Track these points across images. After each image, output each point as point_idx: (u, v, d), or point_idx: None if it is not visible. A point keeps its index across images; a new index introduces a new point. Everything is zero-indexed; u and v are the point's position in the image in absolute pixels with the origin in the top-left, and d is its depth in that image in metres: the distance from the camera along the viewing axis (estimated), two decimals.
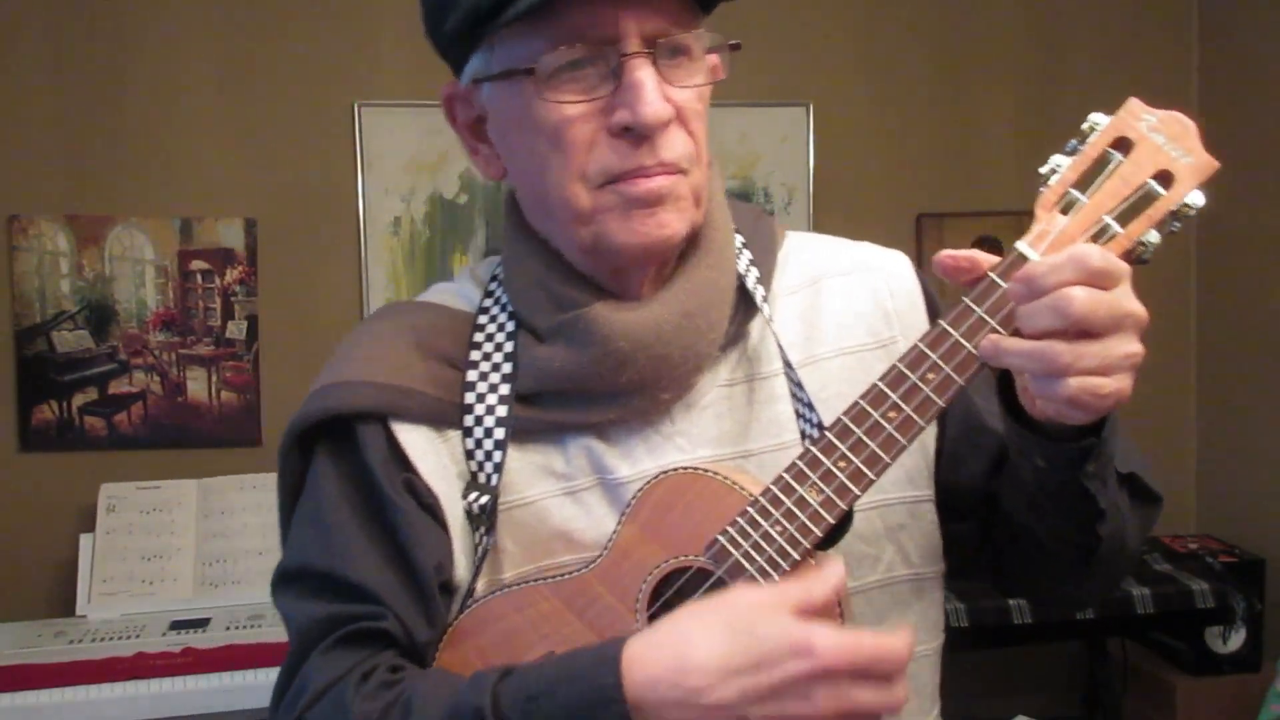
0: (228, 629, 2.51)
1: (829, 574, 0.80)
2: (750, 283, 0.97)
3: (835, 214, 3.22)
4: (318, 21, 3.01)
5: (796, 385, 0.94)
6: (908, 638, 0.75)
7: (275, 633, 2.47)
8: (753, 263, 0.99)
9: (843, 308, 1.00)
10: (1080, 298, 0.74)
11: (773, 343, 0.96)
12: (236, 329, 3.00)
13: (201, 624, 2.54)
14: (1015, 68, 3.41)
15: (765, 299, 0.97)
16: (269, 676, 2.34)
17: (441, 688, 0.83)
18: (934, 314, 1.00)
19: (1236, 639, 3.06)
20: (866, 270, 1.02)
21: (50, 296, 2.90)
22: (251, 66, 2.99)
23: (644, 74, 0.85)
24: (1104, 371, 0.76)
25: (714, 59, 0.92)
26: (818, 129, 3.26)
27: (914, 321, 0.99)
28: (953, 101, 3.39)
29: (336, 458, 0.93)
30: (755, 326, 0.98)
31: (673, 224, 0.89)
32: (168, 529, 2.75)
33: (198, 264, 2.98)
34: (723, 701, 0.74)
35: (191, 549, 2.73)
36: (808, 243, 1.06)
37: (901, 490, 0.96)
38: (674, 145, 0.87)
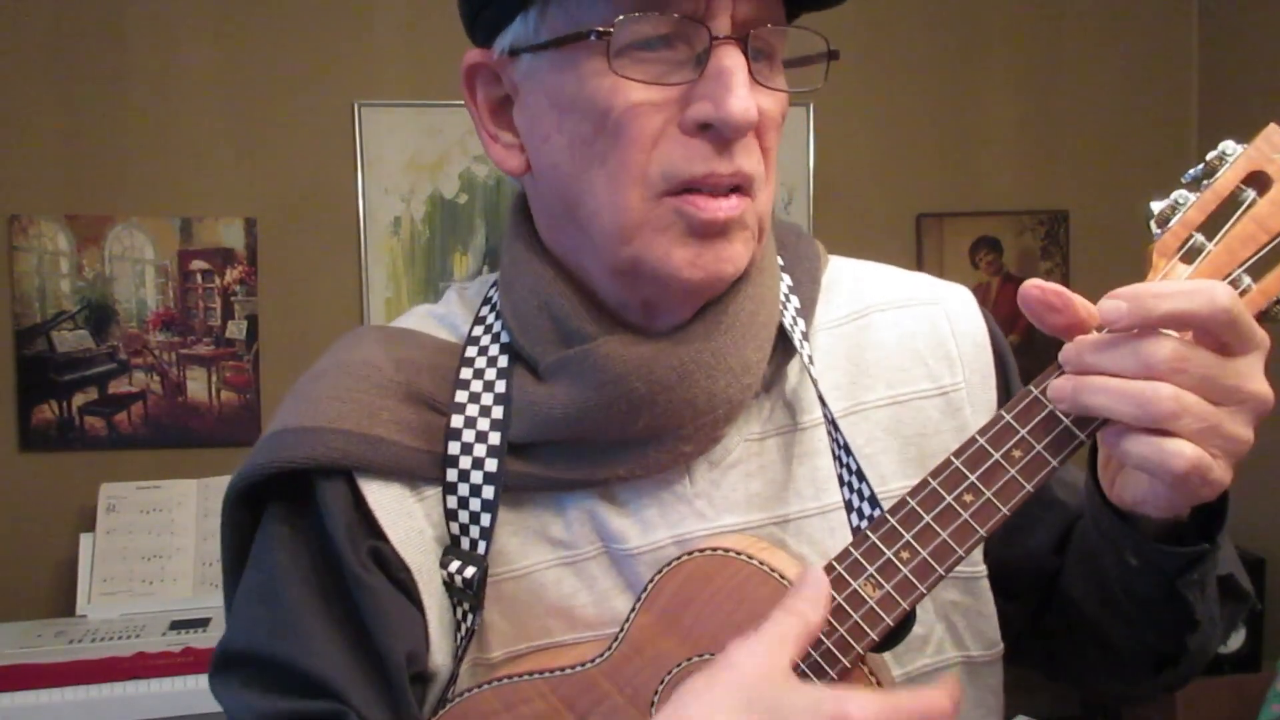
0: None
1: (811, 586, 0.68)
2: (789, 318, 0.83)
3: (835, 214, 3.22)
4: (318, 21, 3.01)
5: (843, 449, 0.78)
6: (953, 690, 0.64)
7: None
8: (792, 290, 0.85)
9: (895, 346, 0.85)
10: (1169, 345, 0.61)
11: (813, 389, 0.81)
12: (236, 329, 3.00)
13: (201, 624, 2.54)
14: (1015, 67, 3.41)
15: (805, 336, 0.83)
16: None
17: None
18: (1002, 362, 0.87)
19: (1236, 639, 3.06)
20: (924, 303, 0.87)
21: (50, 296, 2.90)
22: (251, 66, 2.99)
23: (735, 63, 0.70)
24: (1206, 441, 0.61)
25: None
26: (818, 129, 3.26)
27: (980, 368, 0.85)
28: (953, 101, 3.39)
29: (291, 519, 0.79)
30: (793, 368, 0.84)
31: (736, 258, 0.75)
32: (168, 529, 2.74)
33: (198, 264, 2.98)
34: None
35: (191, 549, 2.73)
36: (854, 270, 0.91)
37: None
38: (751, 156, 0.73)
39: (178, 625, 2.54)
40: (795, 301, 0.84)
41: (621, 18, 0.70)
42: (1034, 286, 0.67)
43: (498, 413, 0.79)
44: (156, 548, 2.72)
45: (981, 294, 3.36)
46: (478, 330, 0.84)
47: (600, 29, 0.70)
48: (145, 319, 2.96)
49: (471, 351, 0.83)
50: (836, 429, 0.79)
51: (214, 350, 2.99)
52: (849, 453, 0.78)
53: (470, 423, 0.79)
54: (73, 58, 2.89)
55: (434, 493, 0.79)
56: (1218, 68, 3.44)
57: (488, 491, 0.78)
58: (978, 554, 0.84)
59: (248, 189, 3.00)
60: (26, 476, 2.89)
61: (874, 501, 0.76)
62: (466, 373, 0.82)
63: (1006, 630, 0.86)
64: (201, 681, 2.34)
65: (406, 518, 0.78)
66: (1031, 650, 0.91)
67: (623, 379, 0.75)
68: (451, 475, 0.79)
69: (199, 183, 2.98)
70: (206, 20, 2.96)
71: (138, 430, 2.95)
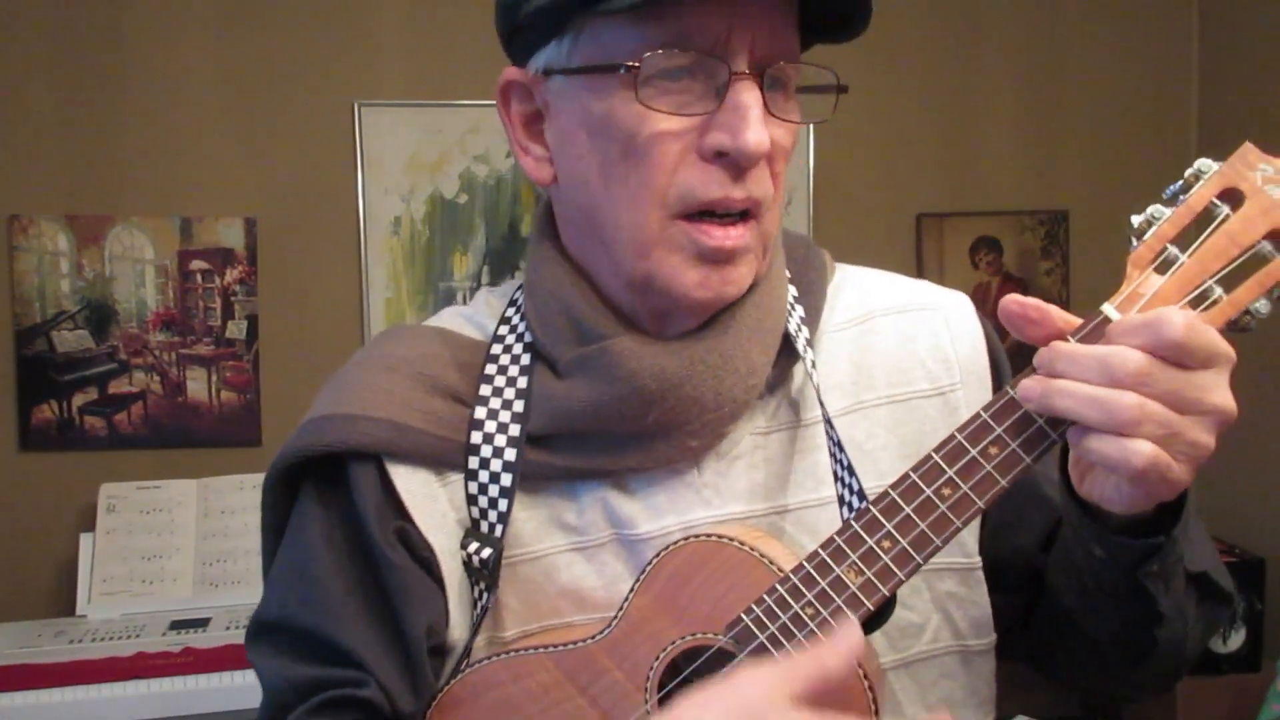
0: (228, 629, 2.51)
1: (843, 640, 0.68)
2: (794, 324, 0.88)
3: (835, 214, 3.22)
4: (318, 21, 3.01)
5: (836, 445, 0.83)
6: None
7: None
8: (797, 300, 0.90)
9: (896, 349, 0.90)
10: (1135, 360, 0.65)
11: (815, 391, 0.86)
12: (236, 329, 3.00)
13: (201, 624, 2.54)
14: (1015, 67, 3.41)
15: (809, 343, 0.88)
16: None
17: None
18: (997, 366, 0.91)
19: (1236, 639, 3.06)
20: (924, 309, 0.92)
21: (50, 296, 2.90)
22: (251, 66, 2.98)
23: (751, 98, 0.76)
24: (1168, 445, 0.65)
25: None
26: (818, 129, 3.26)
27: (976, 370, 0.90)
28: (953, 101, 3.38)
29: (325, 499, 0.85)
30: (799, 369, 0.89)
31: (740, 280, 0.82)
32: (168, 529, 2.75)
33: (198, 264, 2.98)
34: None
35: (191, 549, 2.73)
36: (859, 277, 0.97)
37: (951, 555, 0.86)
38: (762, 182, 0.79)
39: (178, 625, 2.54)
40: (800, 311, 0.89)
41: (649, 54, 0.75)
42: (1013, 302, 0.72)
43: (518, 406, 0.85)
44: (156, 548, 2.72)
45: (982, 294, 3.37)
46: (503, 330, 0.91)
47: (629, 64, 0.76)
48: (145, 319, 2.96)
49: (496, 349, 0.89)
50: (831, 427, 0.84)
51: (214, 350, 2.99)
52: (842, 449, 0.83)
53: (492, 415, 0.86)
54: (73, 58, 2.89)
55: (457, 478, 0.85)
56: (1218, 67, 3.44)
57: (506, 479, 0.83)
58: (973, 546, 0.88)
59: (248, 189, 3.00)
60: (26, 476, 2.89)
61: (863, 496, 0.80)
62: (491, 369, 0.88)
63: (998, 623, 0.90)
64: (201, 681, 2.34)
65: (431, 501, 0.84)
66: (1021, 644, 0.95)
67: (635, 375, 0.81)
68: (473, 463, 0.84)
69: (199, 183, 2.97)
70: (206, 20, 2.96)
71: (138, 430, 2.94)
